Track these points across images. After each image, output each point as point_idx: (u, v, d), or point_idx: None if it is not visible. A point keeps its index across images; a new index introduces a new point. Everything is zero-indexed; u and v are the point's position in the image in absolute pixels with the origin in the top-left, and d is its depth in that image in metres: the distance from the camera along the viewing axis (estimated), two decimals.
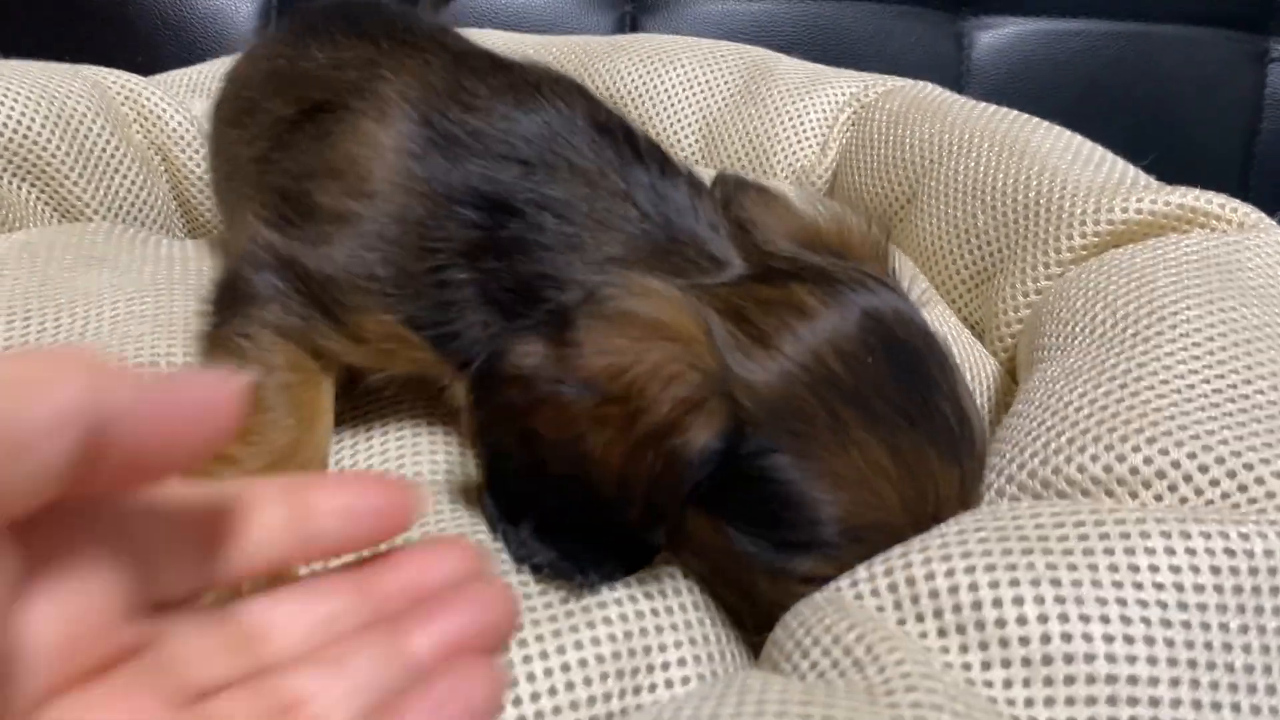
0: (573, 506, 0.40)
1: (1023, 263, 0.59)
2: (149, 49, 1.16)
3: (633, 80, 0.88)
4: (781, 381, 0.38)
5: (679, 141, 0.87)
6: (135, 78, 0.87)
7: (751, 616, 0.42)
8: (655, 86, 0.88)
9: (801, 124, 0.83)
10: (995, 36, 1.28)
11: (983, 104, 0.71)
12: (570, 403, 0.38)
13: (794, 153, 0.83)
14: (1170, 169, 0.64)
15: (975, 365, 0.57)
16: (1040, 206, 0.59)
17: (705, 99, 0.87)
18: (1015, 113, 0.69)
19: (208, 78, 0.91)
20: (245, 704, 0.27)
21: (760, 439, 0.37)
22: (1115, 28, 1.28)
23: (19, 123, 0.75)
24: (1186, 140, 1.29)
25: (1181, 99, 1.29)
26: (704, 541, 0.40)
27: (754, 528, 0.39)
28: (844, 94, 0.83)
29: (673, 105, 0.87)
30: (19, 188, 0.76)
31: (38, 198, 0.77)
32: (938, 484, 0.39)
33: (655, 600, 0.41)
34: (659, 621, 0.40)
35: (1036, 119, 0.67)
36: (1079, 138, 0.65)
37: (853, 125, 0.81)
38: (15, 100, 0.75)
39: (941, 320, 0.59)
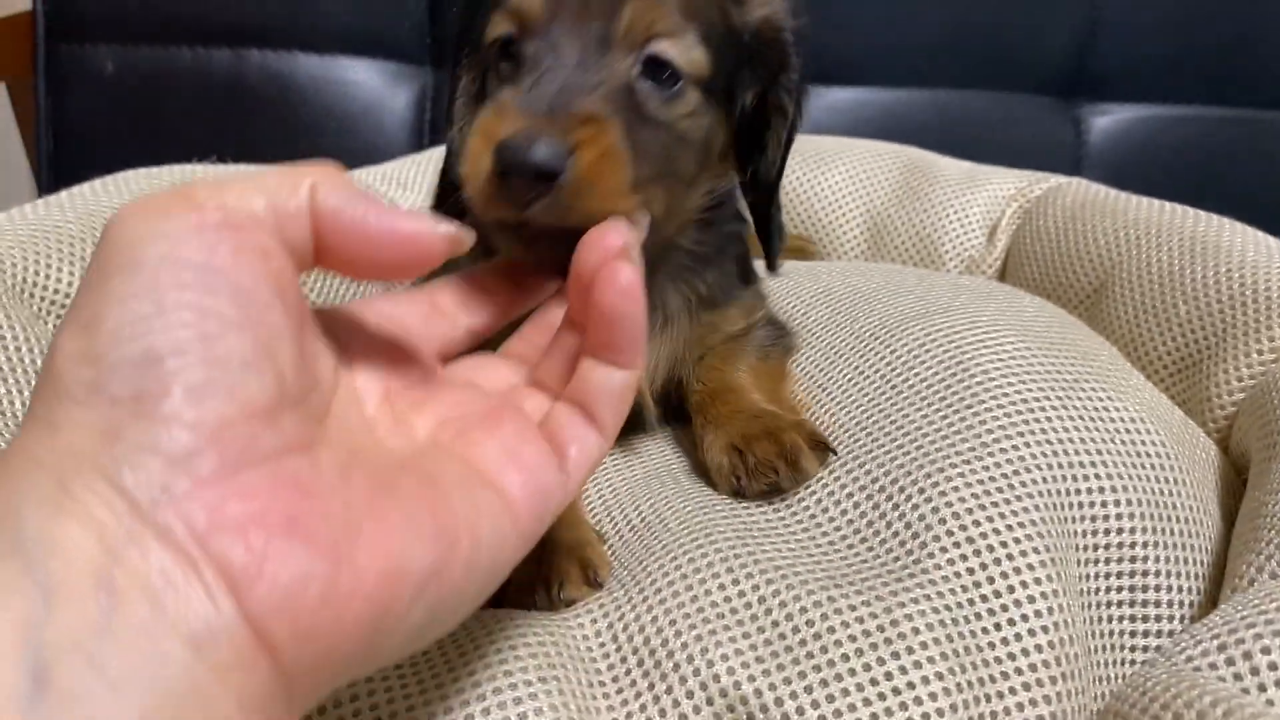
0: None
1: (1233, 350, 0.64)
2: (311, 137, 1.23)
3: (797, 179, 0.95)
4: None
5: (845, 236, 0.93)
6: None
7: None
8: (820, 185, 0.94)
9: (967, 217, 0.89)
10: (1111, 122, 1.34)
11: (1158, 201, 0.77)
12: None
13: (962, 244, 0.88)
14: None
15: (1196, 444, 0.61)
16: (1246, 297, 0.64)
17: (868, 196, 0.93)
18: (1194, 210, 0.74)
19: (403, 171, 0.97)
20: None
21: None
22: (1225, 113, 1.35)
23: None
24: None
25: None
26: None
27: None
28: (1007, 190, 0.89)
29: (837, 203, 0.94)
30: None
31: None
32: None
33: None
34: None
35: (1217, 217, 0.73)
36: (1263, 234, 0.70)
37: (1021, 219, 0.86)
38: None
39: (1157, 397, 0.63)
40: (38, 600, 0.26)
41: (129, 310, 0.29)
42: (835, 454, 0.55)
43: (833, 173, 0.95)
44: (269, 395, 0.31)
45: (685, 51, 0.49)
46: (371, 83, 1.22)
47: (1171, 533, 0.52)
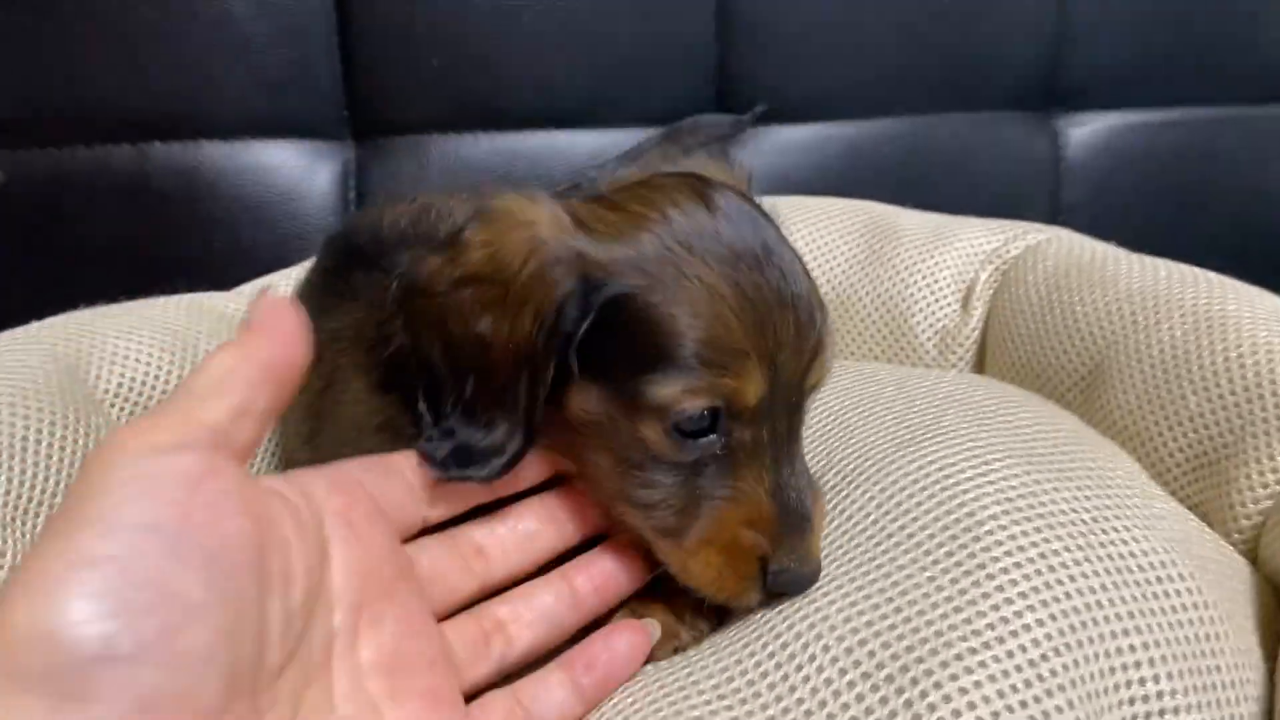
0: (481, 398, 0.47)
1: (1255, 450, 0.57)
2: (226, 229, 1.14)
3: None
4: (628, 238, 0.46)
5: None
6: (245, 294, 0.87)
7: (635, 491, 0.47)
8: None
9: (936, 282, 0.82)
10: (1089, 133, 1.28)
11: (1151, 263, 0.70)
12: (464, 298, 0.46)
13: (934, 313, 0.81)
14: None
15: (1229, 573, 0.54)
16: (1264, 388, 0.57)
17: (828, 264, 0.86)
18: (1194, 274, 0.67)
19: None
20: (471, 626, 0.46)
21: (614, 284, 0.44)
22: (1210, 113, 1.29)
23: (157, 375, 0.74)
24: None
25: None
26: (586, 410, 0.46)
27: (622, 372, 0.45)
28: (982, 248, 0.82)
29: None
30: None
31: None
32: (774, 319, 0.45)
33: None
34: None
35: (1216, 278, 0.66)
36: (1272, 301, 0.63)
37: (1000, 284, 0.79)
38: (150, 353, 0.75)
39: (1181, 518, 0.57)
40: None
41: (94, 583, 0.29)
42: None
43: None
44: (221, 694, 0.31)
45: None
46: (287, 165, 1.12)
47: (1218, 704, 0.46)
